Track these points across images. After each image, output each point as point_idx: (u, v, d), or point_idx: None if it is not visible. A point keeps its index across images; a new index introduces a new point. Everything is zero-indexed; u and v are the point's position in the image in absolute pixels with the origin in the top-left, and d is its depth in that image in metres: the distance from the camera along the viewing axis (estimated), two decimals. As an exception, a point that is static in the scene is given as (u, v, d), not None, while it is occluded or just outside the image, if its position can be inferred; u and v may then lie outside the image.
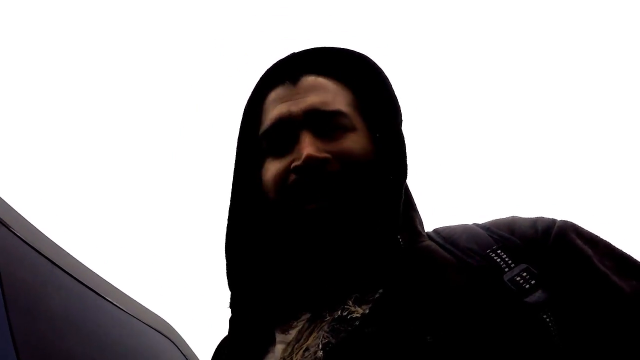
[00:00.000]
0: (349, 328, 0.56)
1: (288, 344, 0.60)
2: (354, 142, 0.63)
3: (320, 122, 0.63)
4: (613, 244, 0.59)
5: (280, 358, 0.59)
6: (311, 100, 0.64)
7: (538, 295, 0.52)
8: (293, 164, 0.61)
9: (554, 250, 0.57)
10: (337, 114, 0.64)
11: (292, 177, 0.61)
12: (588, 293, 0.53)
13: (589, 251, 0.56)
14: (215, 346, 0.77)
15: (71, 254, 1.25)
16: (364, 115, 0.67)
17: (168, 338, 1.77)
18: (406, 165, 0.65)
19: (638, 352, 0.50)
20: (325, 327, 0.58)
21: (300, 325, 0.61)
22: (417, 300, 0.55)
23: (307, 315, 0.62)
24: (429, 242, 0.63)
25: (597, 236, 0.60)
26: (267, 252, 0.67)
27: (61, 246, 1.21)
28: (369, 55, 0.69)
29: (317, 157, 0.60)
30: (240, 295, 0.67)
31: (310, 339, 0.58)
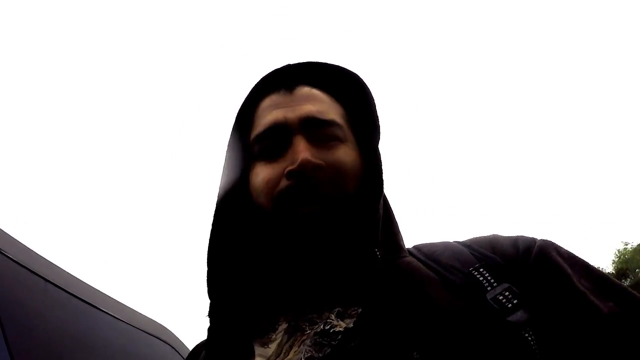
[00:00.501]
0: (333, 342, 0.55)
1: (268, 359, 0.59)
2: (346, 153, 0.64)
3: (315, 130, 0.64)
4: (590, 264, 0.60)
5: None
6: (308, 108, 0.65)
7: (520, 314, 0.53)
8: (288, 169, 0.61)
9: (534, 270, 0.58)
10: (332, 123, 0.65)
11: (285, 182, 0.61)
12: (567, 312, 0.54)
13: (569, 270, 0.57)
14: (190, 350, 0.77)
15: (65, 269, 1.28)
16: (353, 129, 0.68)
17: (167, 343, 1.81)
18: (382, 181, 0.65)
19: None
20: (308, 342, 0.57)
21: (279, 338, 0.61)
22: (401, 316, 0.55)
23: (285, 326, 0.62)
24: (410, 258, 0.64)
25: (575, 256, 0.61)
26: (249, 258, 0.67)
27: (54, 263, 1.24)
28: (358, 74, 0.71)
29: (313, 162, 0.60)
30: (220, 304, 0.67)
31: (292, 353, 0.58)
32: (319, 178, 0.60)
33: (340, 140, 0.65)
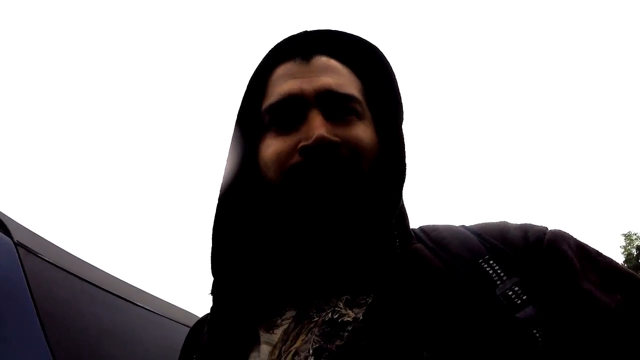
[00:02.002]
0: (341, 332, 0.54)
1: (274, 346, 0.58)
2: (364, 131, 0.61)
3: (333, 104, 0.60)
4: (601, 252, 0.59)
5: None
6: (325, 80, 0.61)
7: (528, 311, 0.53)
8: (301, 144, 0.58)
9: (544, 263, 0.56)
10: (351, 98, 0.62)
11: (297, 158, 0.58)
12: (574, 309, 0.53)
13: (577, 265, 0.56)
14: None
15: (98, 267, 1.35)
16: (370, 106, 0.65)
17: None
18: (405, 167, 0.63)
19: None
20: (316, 330, 0.56)
21: (285, 324, 0.59)
22: (411, 311, 0.54)
23: (293, 313, 0.60)
24: (418, 245, 0.62)
25: (584, 245, 0.59)
26: (257, 235, 0.64)
27: (88, 262, 1.32)
28: (378, 47, 0.66)
29: (329, 139, 0.57)
30: (223, 282, 0.64)
31: (299, 341, 0.56)
32: (334, 156, 0.57)
33: (358, 116, 0.62)
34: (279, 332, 0.59)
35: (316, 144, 0.56)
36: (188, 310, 1.82)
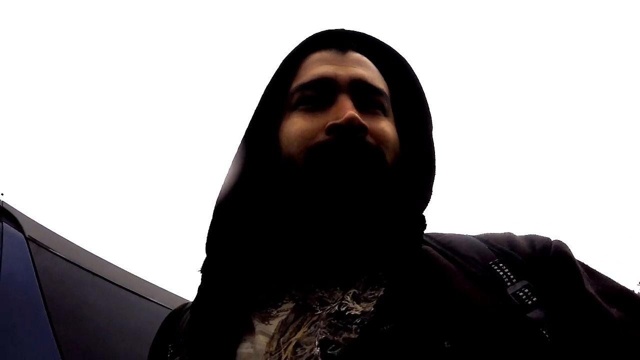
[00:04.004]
0: (349, 325, 0.53)
1: (272, 337, 0.55)
2: (389, 126, 0.63)
3: (364, 94, 0.62)
4: (598, 270, 0.61)
5: (266, 352, 0.54)
6: (359, 71, 0.63)
7: (538, 312, 0.54)
8: (331, 122, 0.57)
9: (551, 269, 0.58)
10: (381, 92, 0.64)
11: (324, 136, 0.58)
12: (581, 314, 0.54)
13: (583, 272, 0.58)
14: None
15: (110, 261, 1.37)
16: (394, 110, 0.67)
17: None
18: (433, 167, 0.65)
19: None
20: (321, 323, 0.54)
21: (282, 316, 0.57)
22: (426, 303, 0.53)
23: (291, 305, 0.58)
24: (427, 247, 0.62)
25: (583, 262, 0.61)
26: (265, 214, 0.63)
27: (100, 256, 1.34)
28: (406, 59, 0.70)
29: (360, 121, 0.57)
30: (218, 260, 0.62)
31: (300, 333, 0.54)
32: (362, 139, 0.58)
33: (385, 112, 0.64)
34: (275, 323, 0.57)
35: (347, 123, 0.56)
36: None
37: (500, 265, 0.58)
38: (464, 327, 0.51)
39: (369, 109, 0.61)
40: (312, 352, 0.51)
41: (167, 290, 1.64)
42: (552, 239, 0.62)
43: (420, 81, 0.68)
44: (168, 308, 1.57)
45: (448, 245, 0.63)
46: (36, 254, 1.06)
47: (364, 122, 0.57)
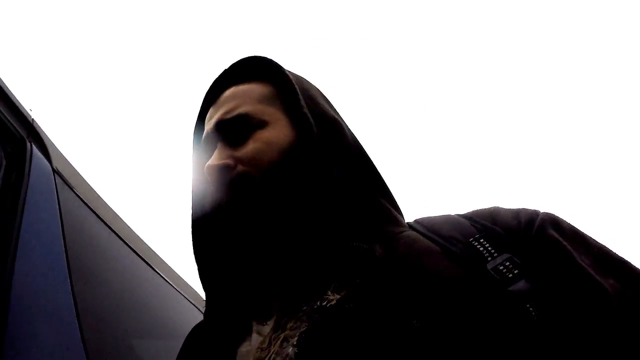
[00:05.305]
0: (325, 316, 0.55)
1: (265, 335, 0.60)
2: (259, 139, 0.64)
3: (226, 130, 0.66)
4: (592, 237, 0.59)
5: (257, 349, 0.59)
6: (218, 114, 0.67)
7: (521, 284, 0.52)
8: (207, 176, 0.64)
9: (536, 242, 0.56)
10: (238, 117, 0.66)
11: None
12: (570, 287, 0.53)
13: (570, 245, 0.56)
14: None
15: (124, 219, 1.20)
16: (285, 105, 0.68)
17: (201, 311, 1.73)
18: (308, 151, 0.63)
19: (621, 353, 0.50)
20: (304, 318, 0.57)
21: (275, 315, 0.61)
22: (400, 285, 0.54)
23: (278, 304, 0.62)
24: (410, 232, 0.63)
25: (576, 229, 0.60)
26: (228, 246, 0.67)
27: (117, 212, 1.16)
28: (269, 57, 0.73)
29: (215, 165, 0.62)
30: (213, 286, 0.68)
31: (287, 329, 0.58)
32: (229, 175, 0.62)
33: (255, 128, 0.65)
34: (271, 323, 0.61)
35: (210, 174, 0.62)
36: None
37: (481, 240, 0.58)
38: (435, 305, 0.51)
39: (240, 136, 0.65)
40: (291, 342, 0.55)
41: (172, 268, 1.47)
42: (540, 212, 0.61)
43: (283, 68, 0.71)
44: (173, 286, 1.40)
45: (432, 228, 0.63)
46: (61, 191, 0.89)
47: (222, 161, 0.62)
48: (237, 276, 0.66)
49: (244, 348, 0.62)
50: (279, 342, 0.57)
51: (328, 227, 0.61)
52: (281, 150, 0.64)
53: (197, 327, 0.75)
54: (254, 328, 0.62)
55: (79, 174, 1.01)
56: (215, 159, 0.63)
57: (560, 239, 0.57)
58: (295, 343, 0.54)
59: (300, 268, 0.61)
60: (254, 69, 0.73)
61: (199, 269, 0.69)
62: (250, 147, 0.64)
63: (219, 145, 0.65)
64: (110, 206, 1.13)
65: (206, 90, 0.76)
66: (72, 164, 0.99)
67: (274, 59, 0.73)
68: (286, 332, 0.58)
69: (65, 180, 0.92)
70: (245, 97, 0.69)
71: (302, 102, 0.67)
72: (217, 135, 0.66)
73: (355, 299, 0.54)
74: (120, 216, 1.17)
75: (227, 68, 0.75)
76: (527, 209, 0.62)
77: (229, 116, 0.66)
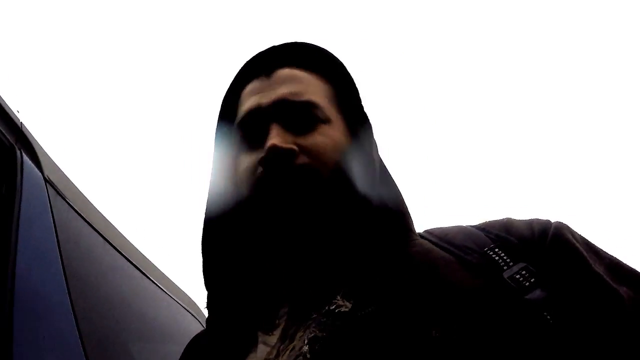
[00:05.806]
0: (337, 322, 0.54)
1: (273, 346, 0.58)
2: (326, 134, 0.62)
3: (290, 113, 0.62)
4: (603, 249, 0.60)
5: (265, 359, 0.57)
6: (281, 91, 0.63)
7: (537, 293, 0.53)
8: (260, 157, 0.59)
9: (550, 251, 0.57)
10: (308, 104, 0.63)
11: (260, 170, 0.60)
12: (586, 295, 0.53)
13: (585, 253, 0.56)
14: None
15: (119, 230, 1.17)
16: (342, 107, 0.66)
17: (195, 317, 1.73)
18: (372, 165, 0.64)
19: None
20: (313, 324, 0.55)
21: (283, 323, 0.59)
22: (417, 295, 0.53)
23: (288, 311, 0.60)
24: (422, 241, 0.62)
25: (588, 240, 0.60)
26: (243, 248, 0.65)
27: (111, 222, 1.14)
28: (337, 56, 0.70)
29: (282, 147, 0.58)
30: (218, 294, 0.66)
31: (296, 339, 0.56)
32: (292, 164, 0.59)
33: (320, 121, 0.63)
34: (277, 332, 0.59)
35: (269, 154, 0.58)
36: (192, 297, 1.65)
37: (496, 250, 0.58)
38: (454, 315, 0.51)
39: (304, 125, 0.62)
40: (301, 350, 0.53)
41: (164, 273, 1.45)
42: (553, 221, 0.61)
43: (352, 76, 0.69)
44: (163, 290, 1.38)
45: (445, 238, 0.63)
46: (54, 202, 0.86)
47: (289, 145, 0.59)
48: (245, 280, 0.65)
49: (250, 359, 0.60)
50: (287, 352, 0.56)
51: (358, 234, 0.60)
52: (343, 153, 0.62)
53: (198, 337, 0.73)
54: (260, 339, 0.60)
55: (72, 183, 0.98)
56: (280, 139, 0.59)
57: (576, 246, 0.57)
58: (307, 350, 0.53)
59: (316, 272, 0.60)
60: (309, 57, 0.68)
61: (204, 274, 0.66)
62: (319, 140, 0.61)
63: (276, 125, 0.61)
64: (104, 215, 1.10)
65: (254, 55, 0.70)
66: (65, 172, 0.96)
67: (336, 56, 0.69)
68: (294, 343, 0.56)
69: (58, 190, 0.89)
70: (310, 85, 0.66)
71: (366, 114, 0.66)
72: (274, 113, 0.62)
73: (370, 307, 0.53)
74: (115, 225, 1.14)
75: (277, 45, 0.70)
76: (540, 219, 0.62)
77: (296, 98, 0.62)
